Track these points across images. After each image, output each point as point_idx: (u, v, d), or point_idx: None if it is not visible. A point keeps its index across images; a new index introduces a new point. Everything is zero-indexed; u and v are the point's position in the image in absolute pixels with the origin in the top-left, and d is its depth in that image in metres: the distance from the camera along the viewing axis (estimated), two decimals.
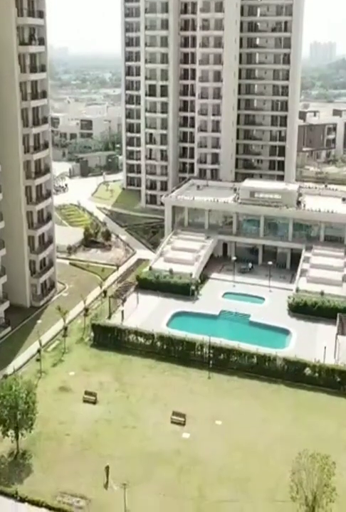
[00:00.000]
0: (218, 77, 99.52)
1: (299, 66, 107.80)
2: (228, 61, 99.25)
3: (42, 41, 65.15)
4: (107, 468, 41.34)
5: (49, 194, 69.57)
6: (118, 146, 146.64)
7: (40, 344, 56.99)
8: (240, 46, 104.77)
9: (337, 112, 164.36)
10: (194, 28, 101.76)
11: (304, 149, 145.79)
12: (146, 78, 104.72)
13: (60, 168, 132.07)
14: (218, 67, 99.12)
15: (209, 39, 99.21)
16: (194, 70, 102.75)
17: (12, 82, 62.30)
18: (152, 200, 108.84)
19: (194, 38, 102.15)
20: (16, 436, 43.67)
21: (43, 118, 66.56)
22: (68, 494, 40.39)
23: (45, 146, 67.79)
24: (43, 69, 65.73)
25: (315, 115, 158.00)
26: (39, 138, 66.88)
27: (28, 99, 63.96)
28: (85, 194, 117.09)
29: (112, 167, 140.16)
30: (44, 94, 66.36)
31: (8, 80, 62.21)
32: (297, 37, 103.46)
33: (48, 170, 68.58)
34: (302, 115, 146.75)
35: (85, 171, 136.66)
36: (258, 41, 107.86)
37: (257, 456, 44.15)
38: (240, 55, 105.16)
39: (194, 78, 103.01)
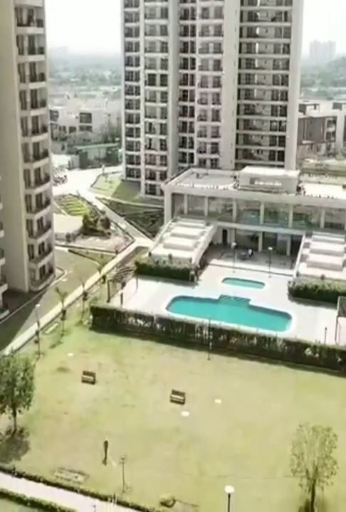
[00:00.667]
0: (218, 65, 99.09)
1: (299, 56, 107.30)
2: (228, 50, 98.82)
3: (41, 23, 64.67)
4: (106, 443, 40.89)
5: (48, 178, 69.10)
6: (117, 139, 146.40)
7: (38, 324, 56.57)
8: (240, 36, 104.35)
9: (337, 105, 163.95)
10: (193, 17, 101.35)
11: (304, 142, 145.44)
12: (145, 67, 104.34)
13: (59, 161, 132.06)
14: (218, 55, 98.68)
15: (209, 28, 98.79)
16: (193, 59, 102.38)
17: (10, 64, 61.81)
18: (152, 190, 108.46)
19: (193, 27, 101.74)
20: (14, 414, 43.18)
21: (41, 101, 66.06)
22: (66, 470, 39.92)
23: (44, 130, 67.29)
24: (41, 51, 65.25)
25: (315, 108, 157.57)
26: (37, 121, 66.39)
27: (27, 81, 63.45)
28: (84, 185, 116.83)
29: (111, 159, 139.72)
30: (43, 77, 65.87)
31: (6, 62, 61.71)
32: (297, 27, 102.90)
33: (46, 154, 68.06)
34: (302, 108, 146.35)
35: (84, 163, 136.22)
36: (258, 31, 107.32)
37: (257, 434, 43.71)
38: (240, 44, 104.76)
39: (193, 67, 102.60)
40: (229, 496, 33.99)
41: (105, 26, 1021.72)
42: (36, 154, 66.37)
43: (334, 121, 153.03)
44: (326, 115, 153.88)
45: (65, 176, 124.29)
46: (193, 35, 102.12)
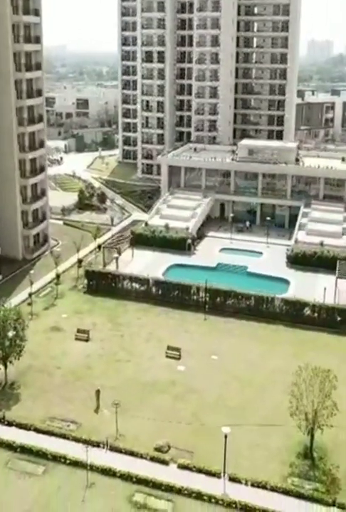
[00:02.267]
0: (215, 41, 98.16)
1: (298, 33, 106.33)
2: (226, 26, 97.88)
3: None
4: (98, 392, 39.75)
5: (42, 144, 67.97)
6: (114, 126, 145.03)
7: (31, 284, 55.44)
8: (239, 13, 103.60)
9: (335, 92, 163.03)
10: None
11: (302, 128, 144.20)
12: (142, 44, 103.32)
13: (55, 144, 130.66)
14: (216, 31, 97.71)
15: (207, 3, 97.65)
16: (191, 36, 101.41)
17: (4, 24, 60.64)
18: (148, 170, 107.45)
19: (191, 4, 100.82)
20: (4, 365, 41.99)
21: (36, 63, 64.85)
22: (58, 419, 38.71)
23: (39, 93, 66.17)
24: (36, 13, 64.08)
25: (313, 94, 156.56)
26: (32, 84, 65.21)
27: (21, 42, 62.29)
28: (80, 166, 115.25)
29: (108, 143, 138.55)
30: (38, 40, 64.72)
31: (0, 22, 60.59)
32: (295, 3, 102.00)
33: (41, 119, 66.94)
34: (301, 94, 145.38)
35: (81, 147, 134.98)
36: (256, 9, 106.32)
37: (254, 386, 42.65)
38: (238, 22, 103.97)
39: (191, 44, 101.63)
40: (226, 436, 32.90)
41: (103, 21, 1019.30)
42: (31, 118, 65.17)
43: (333, 107, 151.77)
44: (324, 101, 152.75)
45: (61, 158, 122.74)
46: (190, 11, 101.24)
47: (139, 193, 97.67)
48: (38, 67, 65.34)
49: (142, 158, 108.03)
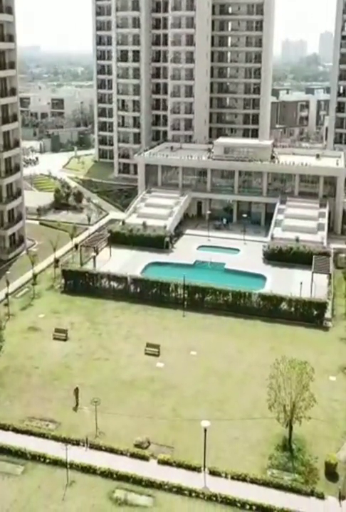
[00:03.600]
0: (190, 40, 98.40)
1: (272, 33, 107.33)
2: (201, 25, 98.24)
3: None
4: (77, 390, 39.56)
5: (17, 143, 67.24)
6: (90, 125, 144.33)
7: (8, 284, 54.80)
8: (213, 13, 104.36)
9: (309, 90, 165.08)
10: None
11: (277, 126, 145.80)
12: (117, 43, 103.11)
13: (30, 145, 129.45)
14: (191, 30, 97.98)
15: (181, 3, 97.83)
16: (166, 35, 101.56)
17: None
18: (125, 169, 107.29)
19: (166, 3, 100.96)
20: None
21: (9, 62, 64.09)
22: (37, 419, 38.41)
23: (13, 92, 65.37)
24: (9, 11, 63.23)
25: (287, 93, 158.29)
26: (6, 83, 64.42)
27: None
28: (56, 166, 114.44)
29: (84, 143, 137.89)
30: (11, 38, 63.95)
31: None
32: (269, 3, 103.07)
33: (15, 118, 66.19)
34: (275, 93, 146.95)
35: (57, 146, 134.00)
36: (230, 9, 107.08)
37: (233, 380, 42.99)
38: (213, 21, 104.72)
39: (166, 44, 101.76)
40: (205, 430, 33.08)
41: (77, 21, 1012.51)
42: (5, 117, 64.38)
43: (307, 106, 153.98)
44: (299, 100, 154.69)
45: (37, 158, 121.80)
46: (165, 10, 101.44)
47: (116, 192, 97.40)
48: (12, 65, 64.56)
49: (118, 157, 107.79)
